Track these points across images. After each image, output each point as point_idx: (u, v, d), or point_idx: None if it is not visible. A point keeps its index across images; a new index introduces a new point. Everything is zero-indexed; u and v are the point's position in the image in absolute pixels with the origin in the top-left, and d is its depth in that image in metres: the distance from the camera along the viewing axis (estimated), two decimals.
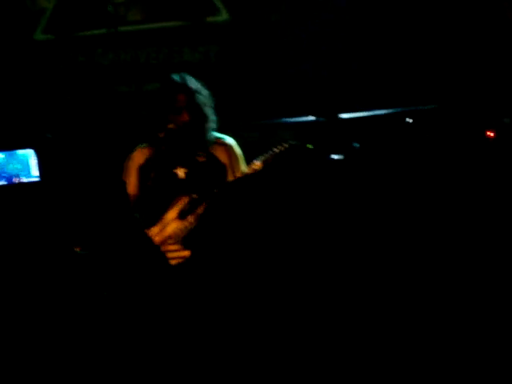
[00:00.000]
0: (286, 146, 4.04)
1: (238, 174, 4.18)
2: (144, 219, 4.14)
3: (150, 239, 4.07)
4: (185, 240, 4.10)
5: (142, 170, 4.27)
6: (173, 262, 4.10)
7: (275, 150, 4.04)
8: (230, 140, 4.30)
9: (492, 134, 4.57)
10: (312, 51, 5.77)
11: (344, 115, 5.22)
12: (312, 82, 5.71)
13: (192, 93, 4.18)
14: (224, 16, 6.15)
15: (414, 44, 5.23)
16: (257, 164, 4.04)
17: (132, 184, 4.32)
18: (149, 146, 4.29)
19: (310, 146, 5.02)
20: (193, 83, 4.23)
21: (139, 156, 4.31)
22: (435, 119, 4.50)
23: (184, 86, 4.18)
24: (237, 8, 6.14)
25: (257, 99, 5.89)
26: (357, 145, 5.42)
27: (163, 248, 4.12)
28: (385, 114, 4.72)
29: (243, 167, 4.25)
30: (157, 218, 4.17)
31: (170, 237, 4.13)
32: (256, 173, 4.04)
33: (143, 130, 4.35)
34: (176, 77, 4.24)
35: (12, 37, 6.17)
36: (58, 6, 6.32)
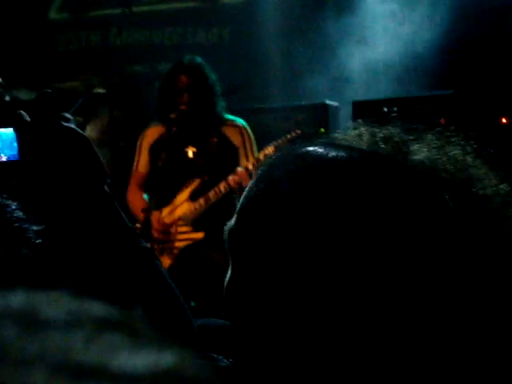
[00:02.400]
0: (299, 132, 4.01)
1: (251, 158, 4.16)
2: (155, 199, 4.13)
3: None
4: (195, 222, 4.10)
5: (154, 148, 4.26)
6: (182, 244, 4.10)
7: (288, 136, 4.01)
8: (241, 122, 4.29)
9: (505, 121, 4.54)
10: (326, 34, 5.72)
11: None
12: (327, 65, 5.66)
13: (194, 75, 4.15)
14: None
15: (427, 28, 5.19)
16: (269, 149, 4.00)
17: (143, 162, 4.31)
18: (161, 125, 4.27)
19: (322, 131, 4.99)
20: (198, 67, 4.21)
21: (152, 133, 4.29)
22: (450, 105, 4.45)
23: (187, 67, 4.17)
24: None
25: (271, 82, 5.84)
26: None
27: (173, 230, 4.12)
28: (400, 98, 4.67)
29: (255, 151, 4.23)
30: (168, 198, 4.16)
31: (180, 218, 4.12)
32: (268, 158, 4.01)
33: (156, 109, 4.34)
34: (184, 59, 4.23)
35: (26, 16, 6.16)
36: None
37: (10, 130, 1.30)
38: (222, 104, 4.23)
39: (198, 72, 4.17)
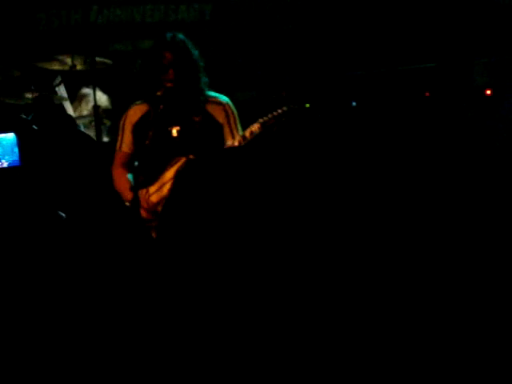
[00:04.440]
0: (285, 108, 3.99)
1: (236, 135, 4.16)
2: (141, 178, 4.13)
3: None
4: None
5: (137, 127, 4.25)
6: None
7: (274, 112, 3.99)
8: (225, 99, 4.27)
9: (489, 92, 4.59)
10: (307, 7, 5.71)
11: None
12: (307, 40, 5.66)
13: (178, 51, 4.14)
14: None
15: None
16: (255, 126, 3.99)
17: (126, 142, 4.29)
18: (144, 103, 4.26)
19: (307, 106, 4.99)
20: (181, 42, 4.19)
21: (134, 113, 4.28)
22: (435, 77, 4.48)
23: (171, 44, 4.15)
24: None
25: (251, 58, 5.84)
26: (354, 103, 5.39)
27: (160, 208, 4.12)
28: (384, 72, 4.69)
29: (239, 127, 4.23)
30: (154, 177, 4.16)
31: (166, 197, 4.12)
32: (257, 135, 4.00)
33: (139, 87, 4.31)
34: (167, 35, 4.21)
35: None
36: None
37: (10, 136, 1.31)
38: (204, 80, 4.22)
39: (182, 48, 4.15)
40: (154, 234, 4.10)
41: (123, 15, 6.13)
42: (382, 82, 5.18)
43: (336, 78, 5.18)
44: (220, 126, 4.22)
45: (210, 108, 4.22)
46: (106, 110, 5.80)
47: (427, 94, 5.11)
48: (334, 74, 5.20)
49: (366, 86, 5.29)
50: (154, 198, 4.12)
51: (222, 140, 4.18)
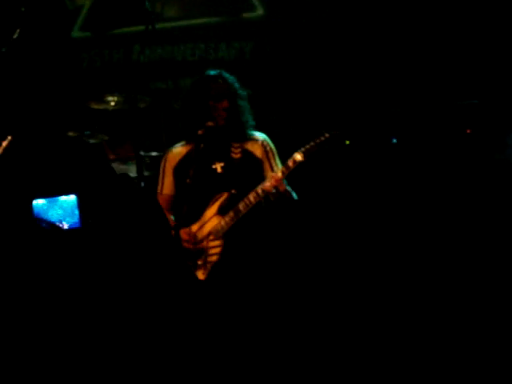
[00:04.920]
0: (327, 135, 3.99)
1: (276, 168, 4.17)
2: (183, 217, 4.14)
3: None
4: (226, 235, 4.11)
5: (178, 169, 4.28)
6: (214, 259, 4.11)
7: (316, 140, 4.00)
8: (263, 135, 4.31)
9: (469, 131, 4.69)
10: (346, 47, 5.74)
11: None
12: (347, 78, 5.68)
13: (231, 82, 4.21)
14: (260, 12, 6.15)
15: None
16: (298, 155, 4.00)
17: (168, 184, 4.33)
18: (185, 145, 4.30)
19: (347, 142, 4.99)
20: (230, 80, 4.26)
21: (174, 156, 4.32)
22: (478, 115, 4.48)
23: (222, 74, 4.22)
24: (272, 4, 6.13)
25: (290, 96, 5.87)
26: (395, 140, 5.39)
27: (204, 245, 4.13)
28: (425, 109, 4.70)
29: (278, 162, 4.25)
30: (197, 215, 4.18)
31: (210, 233, 4.13)
32: (299, 164, 4.00)
33: (180, 127, 4.35)
34: (213, 72, 4.27)
35: (50, 35, 6.22)
36: (95, 3, 6.36)
37: (72, 198, 1.34)
38: (252, 123, 4.27)
39: (234, 89, 4.20)
40: (200, 274, 4.11)
41: (164, 54, 6.22)
42: (423, 118, 5.17)
43: (376, 114, 5.18)
44: (260, 162, 4.24)
45: (248, 145, 4.25)
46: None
47: (468, 130, 5.10)
48: (374, 110, 5.21)
49: (407, 123, 5.28)
50: (197, 236, 4.15)
51: (262, 175, 4.20)
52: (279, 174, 4.00)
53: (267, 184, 4.03)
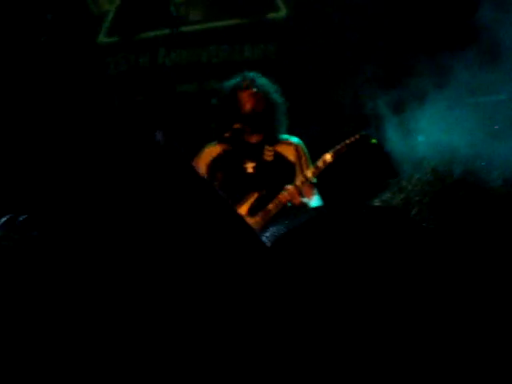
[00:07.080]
0: (357, 136, 4.01)
1: (307, 172, 4.18)
2: None
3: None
4: None
5: (211, 167, 4.30)
6: None
7: (347, 140, 4.01)
8: (296, 140, 4.32)
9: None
10: (371, 47, 5.74)
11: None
12: (371, 79, 5.67)
13: (266, 86, 4.24)
14: (283, 13, 6.16)
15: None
16: (328, 155, 4.01)
17: None
18: (218, 144, 4.32)
19: (374, 141, 4.99)
20: (266, 84, 4.28)
21: (208, 154, 4.33)
22: (506, 110, 4.47)
23: (257, 78, 4.24)
24: (296, 4, 6.14)
25: (317, 96, 5.87)
26: (420, 138, 5.38)
27: None
28: (451, 105, 4.69)
29: (310, 166, 4.26)
30: None
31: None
32: (330, 164, 4.00)
33: (209, 128, 4.38)
34: (250, 75, 4.29)
35: (76, 40, 6.27)
36: (120, 8, 6.40)
37: None
38: (285, 126, 4.28)
39: (266, 90, 4.22)
40: None
41: (189, 56, 6.25)
42: (450, 115, 5.16)
43: (402, 112, 5.17)
44: (292, 165, 4.25)
45: (281, 148, 4.27)
46: None
47: (496, 127, 5.08)
48: (401, 109, 5.20)
49: (433, 120, 5.27)
50: None
51: (293, 177, 4.21)
52: (309, 175, 4.01)
53: (281, 196, 4.03)
